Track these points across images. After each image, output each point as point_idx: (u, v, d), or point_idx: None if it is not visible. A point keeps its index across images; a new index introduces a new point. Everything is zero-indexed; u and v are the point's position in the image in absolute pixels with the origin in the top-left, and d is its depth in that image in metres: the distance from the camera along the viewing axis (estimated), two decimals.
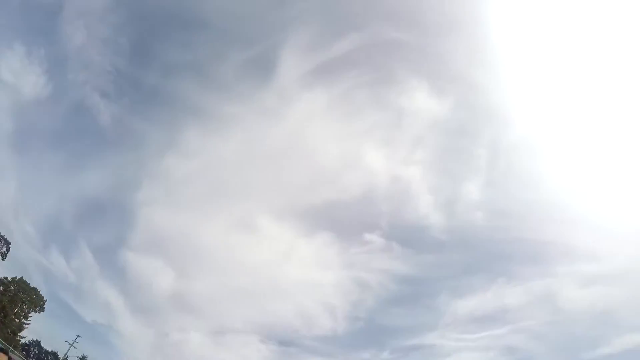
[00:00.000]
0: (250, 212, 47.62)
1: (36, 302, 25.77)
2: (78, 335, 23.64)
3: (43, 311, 26.07)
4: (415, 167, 43.38)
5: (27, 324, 25.51)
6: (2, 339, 16.90)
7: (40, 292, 26.34)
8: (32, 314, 25.64)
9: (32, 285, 25.97)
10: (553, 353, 39.68)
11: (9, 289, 24.51)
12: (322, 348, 48.77)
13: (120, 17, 43.20)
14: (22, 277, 25.71)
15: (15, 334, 23.41)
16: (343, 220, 52.79)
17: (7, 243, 25.32)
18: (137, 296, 45.75)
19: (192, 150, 45.23)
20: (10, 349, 15.25)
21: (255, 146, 43.98)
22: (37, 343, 25.49)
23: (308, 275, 46.95)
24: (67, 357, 22.18)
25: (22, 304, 25.10)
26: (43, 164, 42.83)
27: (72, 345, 23.07)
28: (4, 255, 25.08)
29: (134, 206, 44.94)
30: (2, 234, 25.29)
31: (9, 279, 24.94)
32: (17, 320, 24.69)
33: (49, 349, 25.50)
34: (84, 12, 41.17)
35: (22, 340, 24.23)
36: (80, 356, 23.61)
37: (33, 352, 24.14)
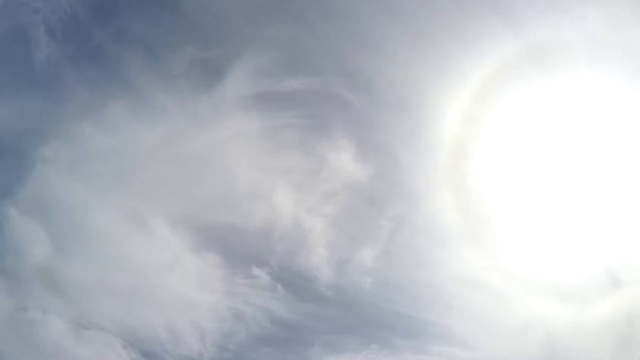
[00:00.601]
0: (149, 208, 44.00)
1: None
2: None
3: None
4: (319, 219, 43.36)
5: None
6: None
7: None
8: None
9: None
10: None
11: None
12: None
13: None
14: None
15: None
16: (236, 248, 50.43)
17: None
18: (5, 257, 38.80)
19: (114, 126, 41.49)
20: None
21: (176, 145, 41.75)
22: None
23: (186, 292, 43.76)
24: None
25: None
26: None
27: None
28: None
29: (34, 159, 38.99)
30: None
31: None
32: None
33: None
34: None
35: None
36: None
37: None
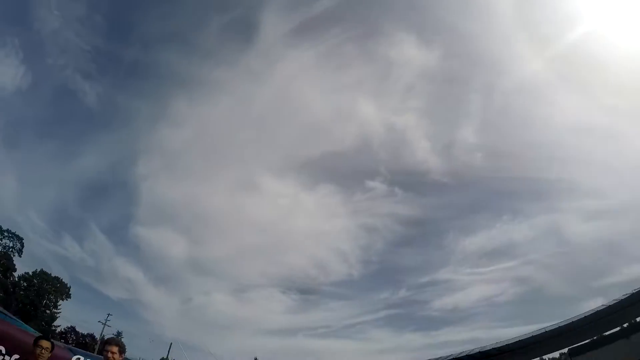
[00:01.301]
0: (250, 172, 47.53)
1: (61, 290, 26.12)
2: (109, 314, 24.14)
3: (70, 298, 26.54)
4: (408, 115, 42.93)
5: (58, 312, 26.04)
6: (38, 332, 17.15)
7: (63, 280, 26.67)
8: (60, 302, 26.09)
9: (53, 275, 26.24)
10: (563, 282, 41.09)
11: (32, 284, 24.71)
12: (341, 292, 50.64)
13: None
14: (42, 270, 25.89)
15: (49, 324, 23.92)
16: (343, 171, 52.84)
17: (20, 239, 25.18)
18: (154, 268, 46.86)
19: (183, 119, 44.25)
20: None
21: (245, 107, 42.86)
22: (72, 329, 26.16)
23: (316, 226, 47.74)
24: (104, 336, 22.73)
25: (48, 295, 25.45)
26: (37, 155, 41.91)
27: (105, 324, 23.62)
28: (20, 252, 25.04)
29: (135, 181, 44.73)
30: (12, 231, 25.09)
31: (30, 273, 25.09)
32: (48, 312, 25.16)
33: (85, 332, 26.20)
34: None
35: (57, 330, 24.80)
36: (115, 333, 24.23)
37: (71, 338, 24.80)
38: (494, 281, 46.12)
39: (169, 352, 20.59)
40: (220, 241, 47.04)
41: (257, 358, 25.65)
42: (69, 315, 26.36)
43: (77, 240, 43.14)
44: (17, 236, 25.29)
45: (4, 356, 2.80)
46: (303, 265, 49.80)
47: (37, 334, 2.64)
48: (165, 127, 45.57)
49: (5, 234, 24.83)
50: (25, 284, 24.59)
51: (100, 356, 2.73)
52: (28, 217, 38.32)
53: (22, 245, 25.36)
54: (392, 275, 53.21)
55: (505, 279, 44.38)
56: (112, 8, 40.17)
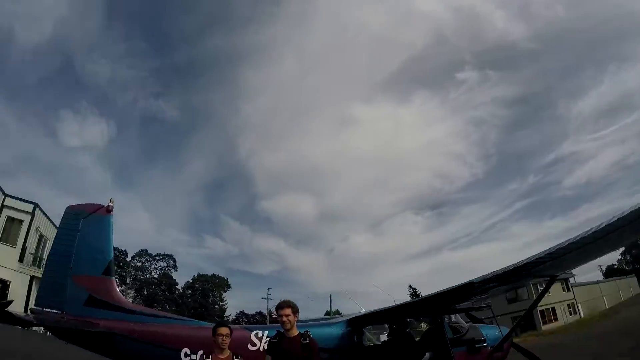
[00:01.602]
0: (340, 111, 47.13)
1: (221, 284, 29.27)
2: (268, 288, 26.13)
3: (230, 287, 29.63)
4: None
5: (225, 304, 29.34)
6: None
7: (219, 275, 29.79)
8: (223, 295, 29.35)
9: (209, 274, 29.45)
10: None
11: (195, 288, 28.05)
12: (470, 196, 48.91)
13: (119, 24, 42.14)
14: (198, 273, 29.22)
15: (221, 317, 27.09)
16: (427, 73, 49.45)
17: (170, 257, 28.58)
18: (291, 233, 50.10)
19: (257, 89, 45.34)
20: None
21: (305, 53, 41.90)
22: (242, 313, 29.32)
23: (424, 137, 45.98)
24: (269, 309, 24.76)
25: (212, 292, 28.76)
26: (151, 183, 46.65)
27: (267, 298, 25.71)
28: (175, 267, 28.47)
29: (242, 164, 47.48)
30: (162, 253, 28.54)
31: (190, 280, 28.51)
32: (216, 307, 28.50)
33: (253, 312, 29.13)
34: (93, 47, 40.99)
35: (229, 319, 27.99)
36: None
37: (242, 321, 27.79)
38: (619, 142, 40.12)
39: (330, 304, 21.71)
40: (341, 185, 48.36)
41: (411, 284, 25.99)
42: (234, 303, 29.62)
43: (217, 236, 48.59)
44: (168, 255, 28.78)
45: (190, 356, 2.74)
46: (425, 181, 49.16)
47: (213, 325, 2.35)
48: (245, 104, 47.11)
49: (158, 257, 28.37)
50: (189, 292, 28.02)
51: (275, 324, 2.54)
52: (169, 236, 43.73)
53: (175, 261, 28.81)
54: (515, 164, 49.45)
55: (630, 137, 38.03)
56: (143, 29, 41.48)
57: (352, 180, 48.98)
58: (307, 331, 2.07)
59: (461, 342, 3.08)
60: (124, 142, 45.18)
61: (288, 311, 2.07)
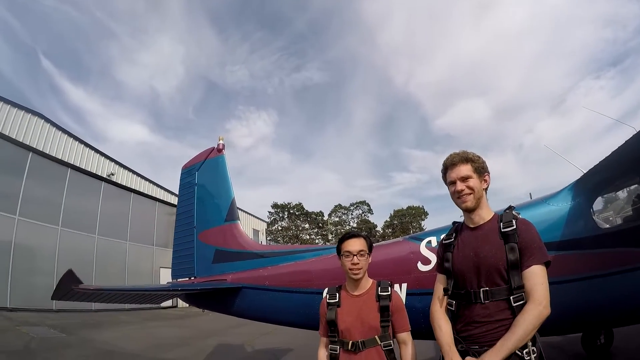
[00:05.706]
0: None
1: (418, 213, 28.97)
2: None
3: (427, 214, 29.08)
4: None
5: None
6: None
7: (414, 205, 29.50)
8: (422, 223, 28.96)
9: (405, 207, 29.57)
10: None
11: (394, 224, 28.55)
12: None
13: (228, 31, 44.99)
14: (394, 210, 29.67)
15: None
16: None
17: (365, 203, 29.78)
18: (473, 142, 46.75)
19: (382, 15, 42.75)
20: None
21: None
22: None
23: None
24: None
25: (411, 224, 28.68)
26: (325, 146, 49.45)
27: None
28: (370, 211, 29.61)
29: (403, 91, 46.15)
30: (354, 202, 30.07)
31: (388, 219, 29.22)
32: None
33: None
34: (222, 62, 45.17)
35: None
36: None
37: None
38: None
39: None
40: (504, 72, 42.38)
41: None
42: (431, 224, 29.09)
43: (403, 170, 49.34)
44: (361, 202, 30.32)
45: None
46: (592, 36, 38.81)
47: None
48: (380, 34, 45.03)
49: (352, 207, 30.16)
50: (390, 230, 28.57)
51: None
52: (358, 186, 46.32)
53: (369, 206, 30.13)
54: None
55: None
56: (248, 23, 43.13)
57: (514, 62, 41.66)
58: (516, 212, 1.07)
59: None
60: (287, 121, 48.77)
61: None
